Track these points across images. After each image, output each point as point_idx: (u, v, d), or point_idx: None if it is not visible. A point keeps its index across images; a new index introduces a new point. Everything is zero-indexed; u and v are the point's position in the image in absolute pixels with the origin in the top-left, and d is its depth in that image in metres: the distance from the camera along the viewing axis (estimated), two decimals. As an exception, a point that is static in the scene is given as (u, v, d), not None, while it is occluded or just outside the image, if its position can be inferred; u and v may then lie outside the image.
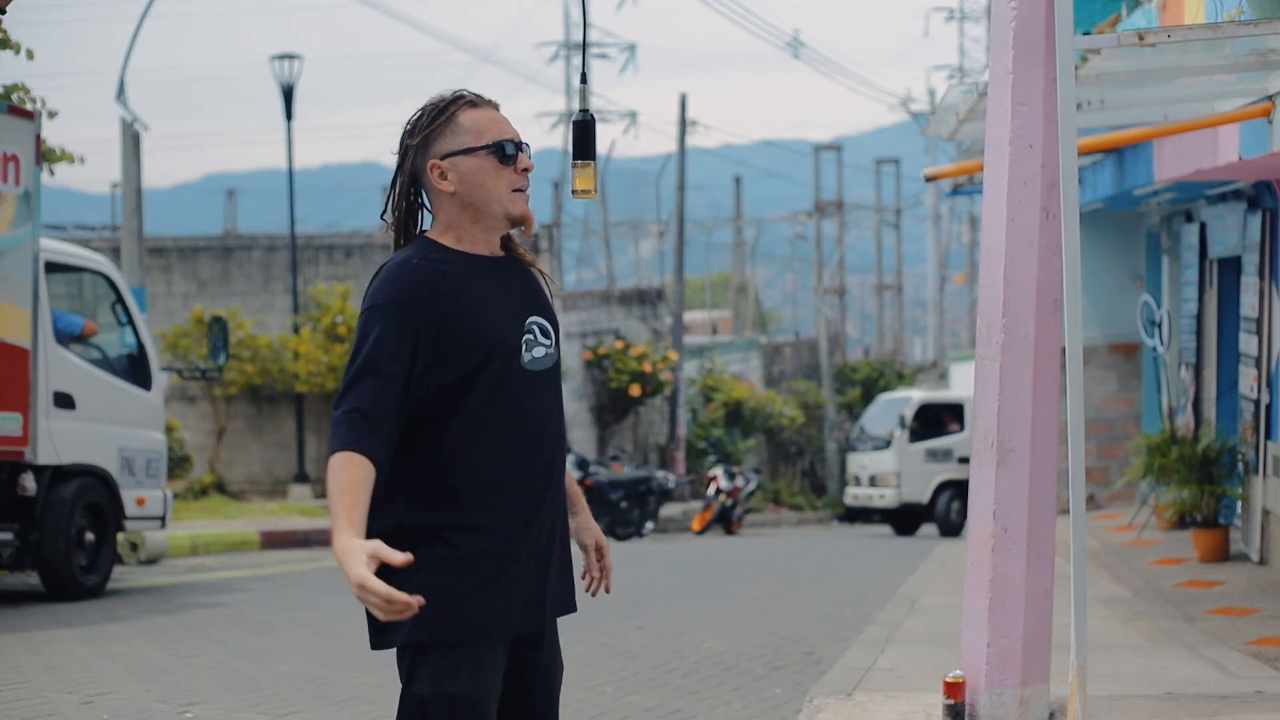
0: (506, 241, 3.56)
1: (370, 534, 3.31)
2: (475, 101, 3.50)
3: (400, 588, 3.24)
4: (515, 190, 3.48)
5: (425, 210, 3.54)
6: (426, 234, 3.50)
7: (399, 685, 3.44)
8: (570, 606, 3.56)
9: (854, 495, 26.56)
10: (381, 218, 3.55)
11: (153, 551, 15.08)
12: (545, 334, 3.48)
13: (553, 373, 3.50)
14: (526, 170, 3.49)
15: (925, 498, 24.57)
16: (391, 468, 3.33)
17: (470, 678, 3.32)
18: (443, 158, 3.45)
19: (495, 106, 3.52)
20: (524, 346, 3.43)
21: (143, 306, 17.29)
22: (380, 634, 3.39)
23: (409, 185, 3.50)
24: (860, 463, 26.54)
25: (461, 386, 3.36)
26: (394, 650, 3.43)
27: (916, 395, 25.90)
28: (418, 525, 3.33)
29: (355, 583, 3.09)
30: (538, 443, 3.43)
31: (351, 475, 3.22)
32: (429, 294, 3.35)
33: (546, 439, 3.45)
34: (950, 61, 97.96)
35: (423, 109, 3.50)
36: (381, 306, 3.34)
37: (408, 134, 3.49)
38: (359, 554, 3.11)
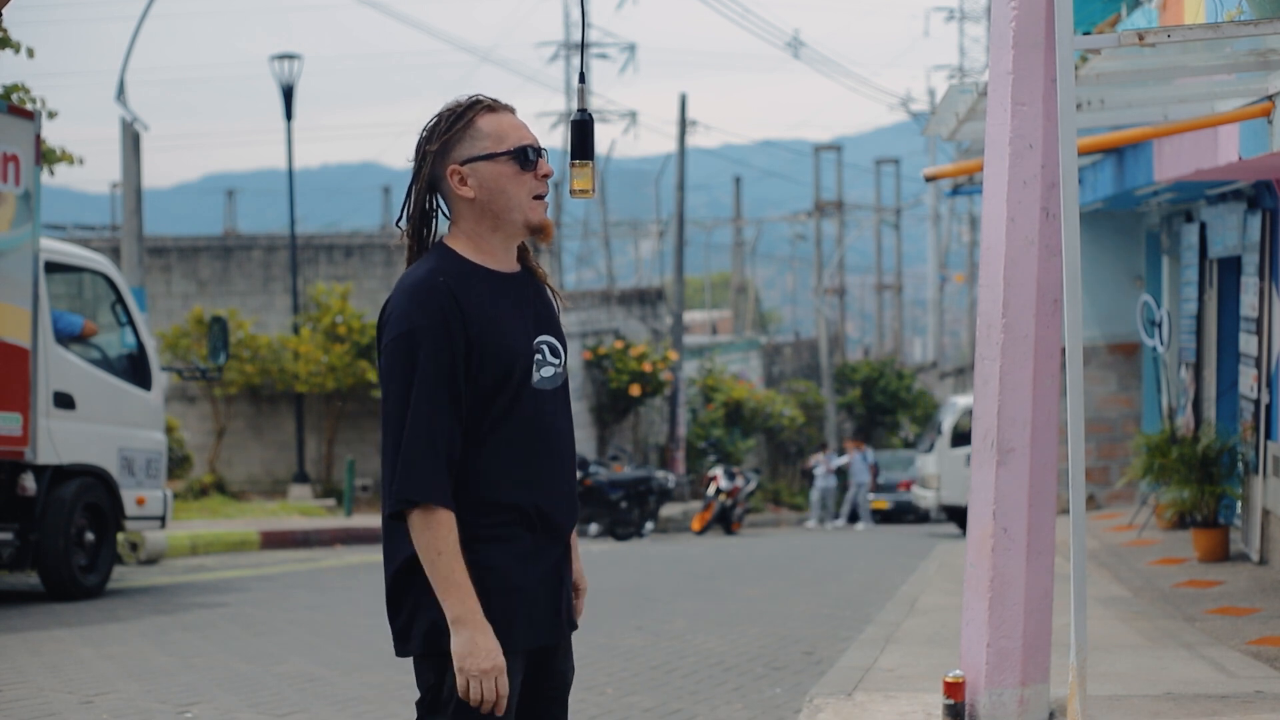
0: (522, 253, 3.54)
1: (401, 551, 3.36)
2: (493, 106, 3.46)
3: (434, 596, 3.30)
4: (536, 197, 3.45)
5: (443, 217, 3.51)
6: (444, 241, 3.46)
7: (400, 686, 3.45)
8: (575, 623, 3.59)
9: (915, 494, 27.14)
10: (397, 224, 3.51)
11: (153, 551, 15.08)
12: (554, 353, 3.48)
13: (562, 391, 3.51)
14: (547, 176, 3.46)
15: (965, 500, 24.58)
16: None
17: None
18: (463, 163, 3.41)
19: (512, 111, 3.49)
20: (534, 366, 3.43)
21: (143, 306, 17.29)
22: (405, 640, 3.39)
23: (426, 192, 3.46)
24: (918, 464, 27.24)
25: (480, 404, 3.36)
26: (403, 655, 3.44)
27: (961, 401, 25.92)
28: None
29: (494, 669, 3.24)
30: (551, 459, 3.44)
31: (451, 537, 3.27)
32: (456, 313, 3.32)
33: (558, 456, 3.46)
34: (950, 61, 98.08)
35: (440, 114, 3.45)
36: (418, 331, 3.30)
37: (425, 140, 3.44)
38: (495, 641, 3.27)
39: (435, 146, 3.42)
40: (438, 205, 3.50)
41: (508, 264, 3.49)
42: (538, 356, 3.43)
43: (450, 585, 3.24)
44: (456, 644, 3.23)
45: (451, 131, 3.42)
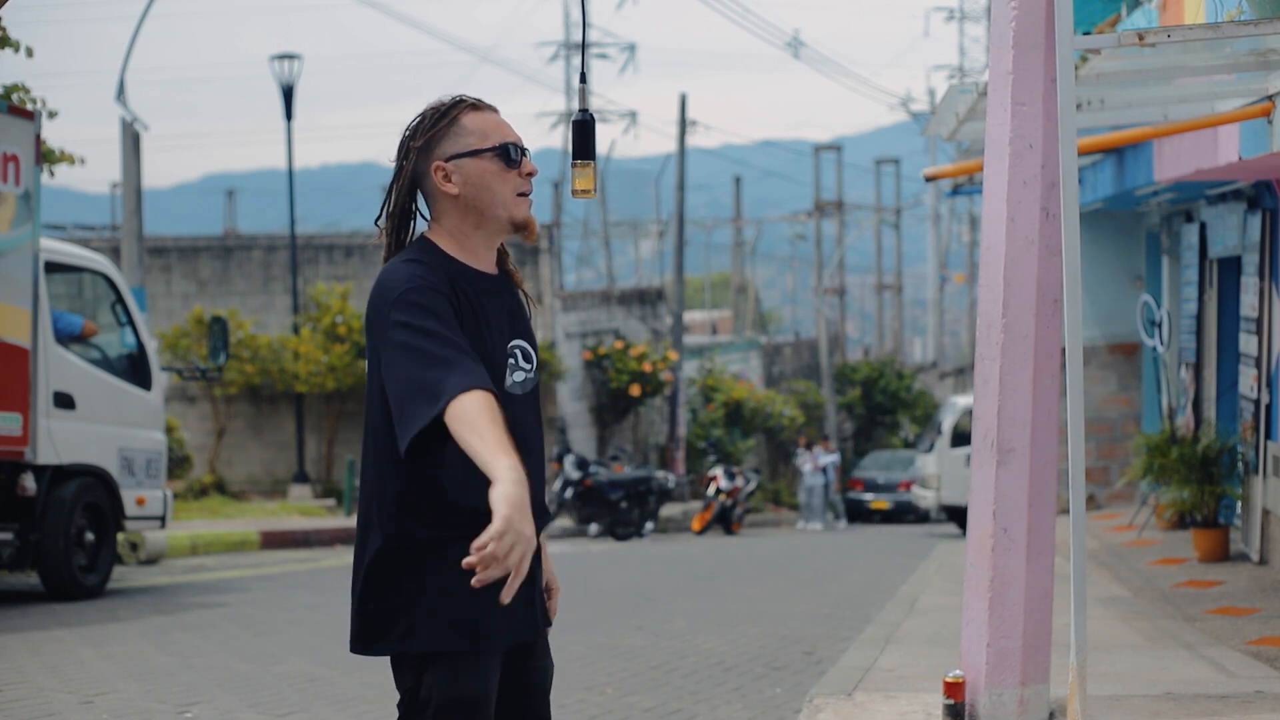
0: (500, 256, 3.55)
1: (369, 550, 3.36)
2: (477, 105, 3.48)
3: (409, 597, 3.31)
4: (519, 194, 3.45)
5: (421, 217, 3.51)
6: (427, 237, 3.46)
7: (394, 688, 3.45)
8: (549, 620, 3.60)
9: (915, 494, 27.20)
10: (376, 223, 3.51)
11: (153, 551, 15.08)
12: (526, 358, 3.48)
13: (533, 396, 3.52)
14: (531, 175, 3.47)
15: (965, 500, 24.55)
16: (387, 485, 3.34)
17: (475, 682, 3.35)
18: (447, 159, 3.41)
19: (495, 110, 3.51)
20: (508, 370, 3.43)
21: (143, 306, 17.29)
22: (377, 639, 3.38)
23: (408, 189, 3.46)
24: (918, 464, 27.29)
25: None
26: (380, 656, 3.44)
27: (961, 401, 25.90)
28: (418, 539, 3.33)
29: (526, 533, 2.95)
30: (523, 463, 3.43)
31: (491, 406, 3.09)
32: (448, 288, 3.32)
33: (529, 459, 3.43)
34: (950, 61, 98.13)
35: (423, 112, 3.47)
36: (415, 290, 3.26)
37: (409, 136, 3.45)
38: (528, 504, 3.00)
39: (420, 142, 3.42)
40: (416, 204, 3.50)
41: (488, 264, 3.49)
42: (511, 360, 3.44)
43: (501, 445, 3.04)
44: (507, 491, 2.97)
45: (436, 128, 3.43)
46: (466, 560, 2.93)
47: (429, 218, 3.49)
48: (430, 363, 3.17)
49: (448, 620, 3.31)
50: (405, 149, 3.45)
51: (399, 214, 3.47)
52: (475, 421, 3.07)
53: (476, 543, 2.91)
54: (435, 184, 3.43)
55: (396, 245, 3.47)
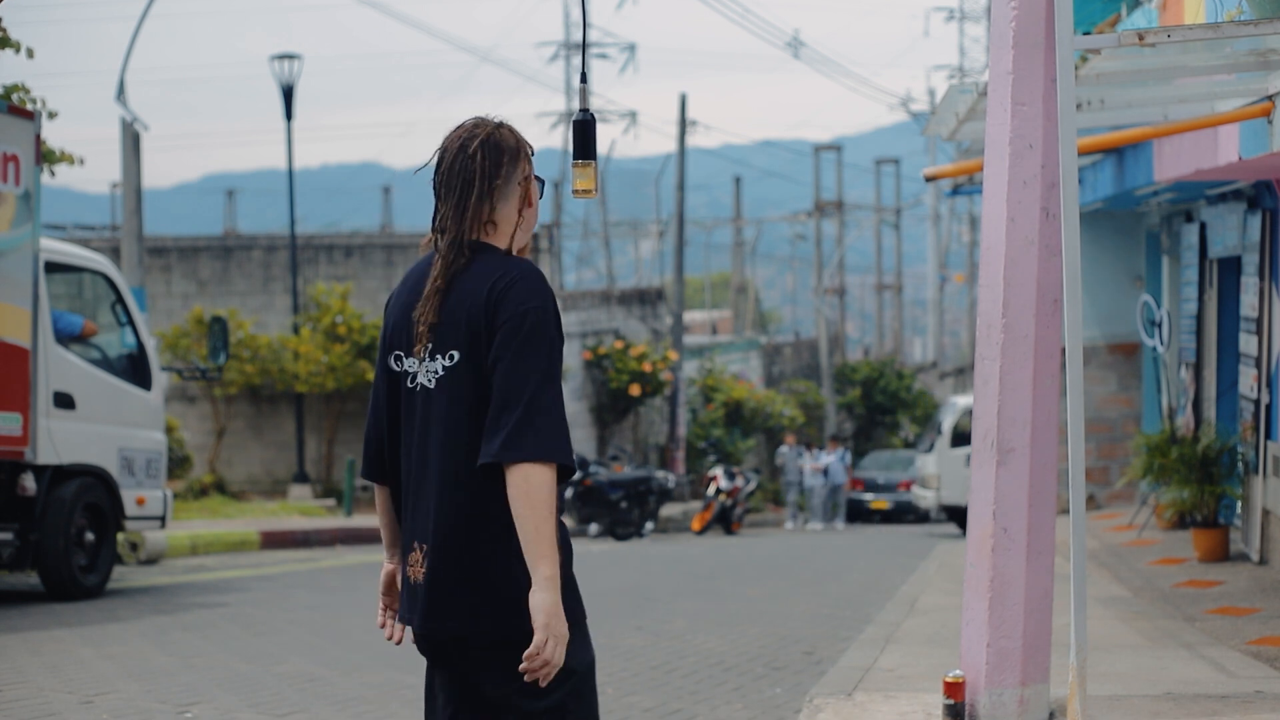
0: None
1: (505, 540, 3.40)
2: None
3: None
4: None
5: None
6: (492, 245, 3.54)
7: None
8: None
9: (915, 494, 27.19)
10: (441, 227, 3.51)
11: (153, 551, 15.08)
12: None
13: None
14: None
15: (965, 500, 24.52)
16: None
17: (591, 645, 3.52)
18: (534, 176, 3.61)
19: None
20: None
21: (143, 306, 17.29)
22: (515, 621, 3.38)
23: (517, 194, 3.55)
24: (918, 464, 27.31)
25: None
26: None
27: (961, 401, 25.86)
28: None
29: (565, 638, 3.28)
30: None
31: (554, 496, 3.35)
32: None
33: None
34: (950, 61, 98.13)
35: (509, 126, 3.57)
36: (552, 311, 3.43)
37: (518, 146, 3.54)
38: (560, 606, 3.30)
39: (531, 151, 3.58)
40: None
41: None
42: None
43: (553, 546, 3.32)
44: (547, 601, 3.27)
45: (528, 145, 3.60)
46: (522, 667, 3.25)
47: (490, 224, 3.52)
48: (558, 400, 3.39)
49: (572, 594, 3.43)
50: (515, 155, 3.53)
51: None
52: (541, 508, 3.29)
53: (529, 653, 3.24)
54: (526, 194, 3.56)
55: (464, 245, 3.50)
